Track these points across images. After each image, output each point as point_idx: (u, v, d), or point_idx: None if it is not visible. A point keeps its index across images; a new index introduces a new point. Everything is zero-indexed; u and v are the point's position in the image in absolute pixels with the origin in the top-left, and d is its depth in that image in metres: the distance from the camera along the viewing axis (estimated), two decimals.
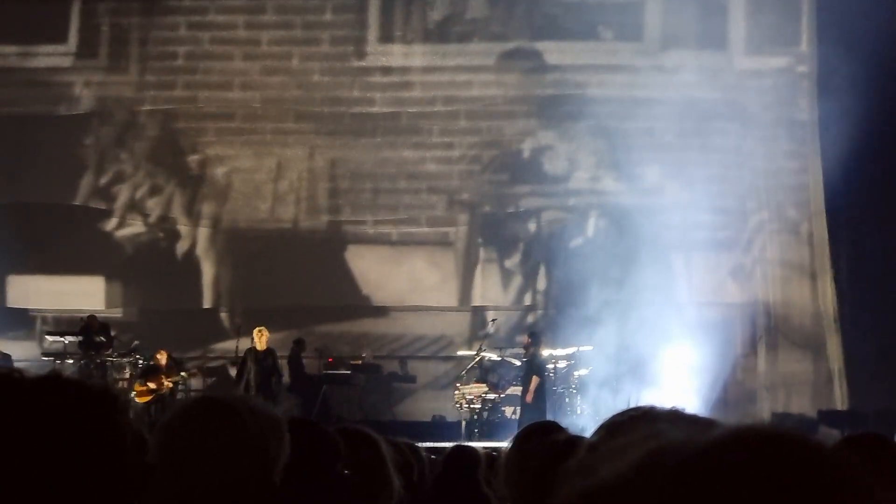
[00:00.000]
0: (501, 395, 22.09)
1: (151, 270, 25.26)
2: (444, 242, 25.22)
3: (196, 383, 23.30)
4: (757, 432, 1.19)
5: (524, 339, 21.62)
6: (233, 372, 23.13)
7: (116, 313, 25.01)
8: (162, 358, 22.43)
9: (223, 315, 25.15)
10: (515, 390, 21.66)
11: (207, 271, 25.57)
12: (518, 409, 21.34)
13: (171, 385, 22.10)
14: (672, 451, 1.17)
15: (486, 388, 22.06)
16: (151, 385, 22.02)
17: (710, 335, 22.22)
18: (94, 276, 25.44)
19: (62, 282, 25.17)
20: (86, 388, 2.06)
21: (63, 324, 24.15)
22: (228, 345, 23.44)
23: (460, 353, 22.82)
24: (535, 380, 20.91)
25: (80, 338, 22.82)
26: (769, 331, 23.85)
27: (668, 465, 1.16)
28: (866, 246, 23.62)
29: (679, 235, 23.80)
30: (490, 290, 25.00)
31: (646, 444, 1.19)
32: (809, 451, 1.18)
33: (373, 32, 25.52)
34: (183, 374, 22.48)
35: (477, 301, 24.84)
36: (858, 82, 21.52)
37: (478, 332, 23.87)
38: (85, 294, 25.02)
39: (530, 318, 24.34)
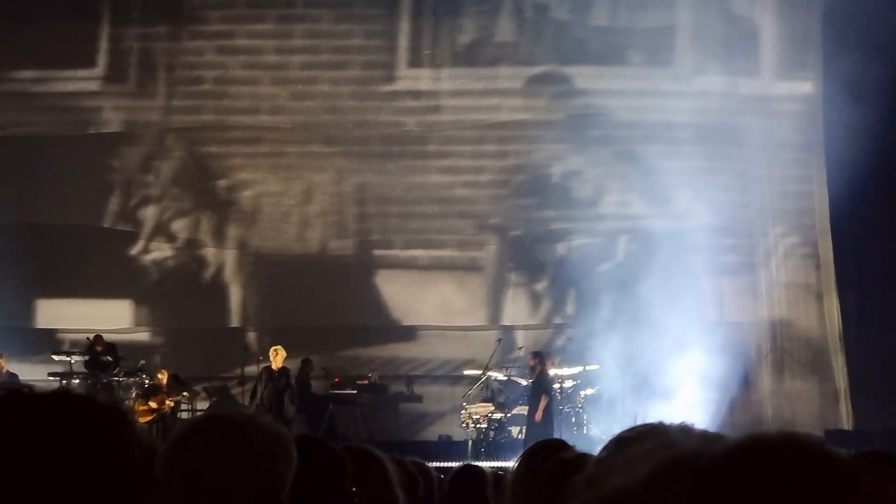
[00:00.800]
0: (508, 415, 22.08)
1: (178, 293, 25.25)
2: (473, 267, 25.20)
3: (203, 403, 23.31)
4: (771, 439, 1.19)
5: (530, 359, 21.63)
6: (237, 392, 23.15)
7: (143, 334, 25.07)
8: (163, 377, 22.46)
9: (251, 336, 25.06)
10: (522, 410, 21.66)
11: (235, 294, 25.55)
12: (524, 428, 21.33)
13: (171, 404, 22.13)
14: (687, 459, 1.17)
15: (493, 408, 22.05)
16: (153, 404, 22.06)
17: (717, 354, 22.23)
18: (122, 299, 25.47)
19: (90, 305, 25.16)
20: (94, 404, 2.07)
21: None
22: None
23: (467, 372, 22.79)
24: (543, 399, 20.91)
25: (87, 357, 22.82)
26: (775, 350, 23.83)
27: (684, 473, 1.16)
28: (872, 266, 23.61)
29: (698, 257, 23.79)
30: (519, 313, 24.95)
31: (659, 453, 1.19)
32: (823, 457, 1.18)
33: (402, 56, 25.48)
34: (185, 393, 22.46)
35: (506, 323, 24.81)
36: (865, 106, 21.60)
37: (506, 353, 23.76)
38: (112, 317, 25.04)
39: (558, 340, 24.21)
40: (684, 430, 2.12)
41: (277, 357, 22.15)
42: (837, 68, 22.77)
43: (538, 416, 20.79)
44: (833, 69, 23.20)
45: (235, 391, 23.41)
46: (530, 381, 21.60)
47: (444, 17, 25.42)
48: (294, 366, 23.08)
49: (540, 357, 21.60)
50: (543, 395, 21.00)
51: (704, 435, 2.12)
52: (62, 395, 2.06)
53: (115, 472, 2.00)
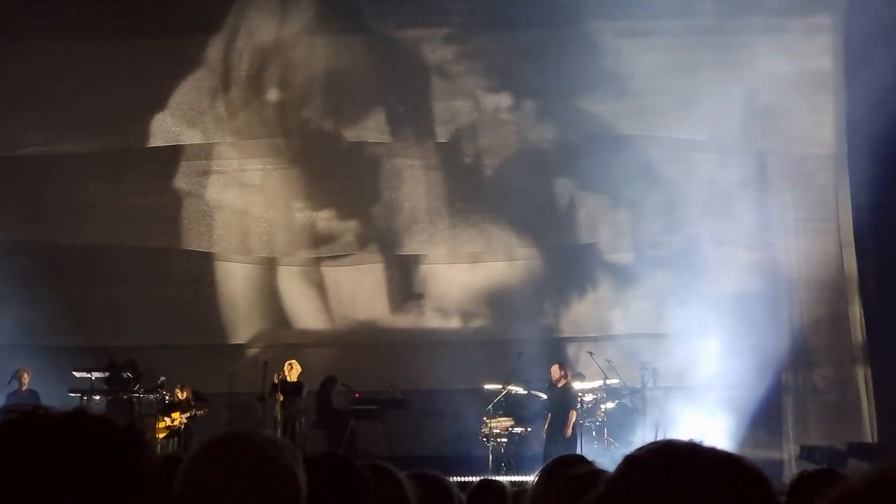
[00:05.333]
0: (528, 429, 22.03)
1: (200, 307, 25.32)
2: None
3: (222, 418, 23.33)
4: None
5: (555, 370, 21.52)
6: (258, 407, 23.19)
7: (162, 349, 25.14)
8: (181, 393, 22.52)
9: (266, 350, 25.05)
10: (542, 423, 21.59)
11: (251, 307, 25.64)
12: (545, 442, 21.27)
13: (185, 420, 22.17)
14: None
15: (513, 422, 22.01)
16: (168, 421, 22.14)
17: (738, 366, 22.18)
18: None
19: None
20: (110, 425, 2.07)
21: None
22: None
23: (487, 386, 22.74)
24: (572, 413, 20.85)
25: (106, 374, 22.85)
26: (797, 361, 23.74)
27: None
28: (894, 276, 23.51)
29: (718, 268, 23.77)
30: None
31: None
32: None
33: None
34: (197, 411, 22.41)
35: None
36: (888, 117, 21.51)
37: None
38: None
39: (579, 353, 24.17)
40: (694, 450, 2.12)
41: (292, 371, 22.27)
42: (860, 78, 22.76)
43: (568, 431, 20.72)
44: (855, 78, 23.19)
45: (256, 406, 23.38)
46: (551, 393, 21.53)
47: None
48: (314, 382, 23.17)
49: (565, 368, 21.56)
50: (571, 410, 20.93)
51: (714, 454, 2.12)
52: (77, 415, 2.06)
53: (129, 492, 2.00)
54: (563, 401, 21.07)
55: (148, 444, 2.11)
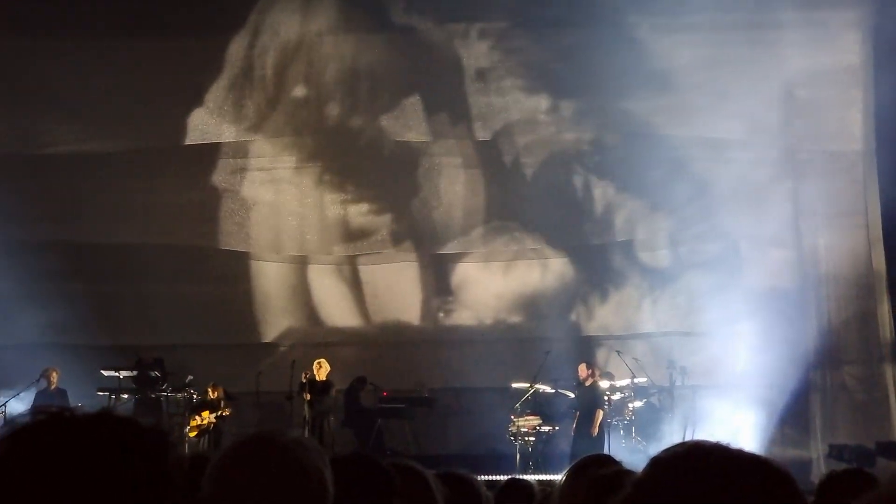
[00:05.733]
0: (556, 428, 22.00)
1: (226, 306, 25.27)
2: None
3: (250, 417, 23.38)
4: None
5: (582, 369, 21.47)
6: (286, 406, 23.21)
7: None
8: (212, 392, 22.57)
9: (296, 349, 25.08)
10: (570, 422, 21.55)
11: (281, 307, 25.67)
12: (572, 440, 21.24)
13: (213, 420, 22.22)
14: None
15: (541, 421, 21.98)
16: (198, 420, 22.22)
17: (766, 365, 22.13)
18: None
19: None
20: (135, 426, 2.07)
21: None
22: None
23: (514, 385, 22.71)
24: (599, 413, 20.80)
25: (134, 373, 22.90)
26: (826, 360, 23.65)
27: None
28: None
29: (748, 266, 23.73)
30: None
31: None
32: None
33: None
34: (224, 411, 22.44)
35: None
36: None
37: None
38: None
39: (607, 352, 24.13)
40: (721, 452, 2.11)
41: (321, 370, 22.32)
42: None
43: (595, 430, 20.67)
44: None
45: (284, 405, 23.40)
46: (579, 392, 21.49)
47: None
48: (342, 381, 23.22)
49: (592, 367, 21.50)
50: (598, 409, 20.88)
51: (740, 456, 2.11)
52: (103, 417, 2.06)
53: (155, 493, 2.01)
54: (590, 400, 21.02)
55: (173, 445, 2.10)
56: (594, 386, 21.15)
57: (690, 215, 24.36)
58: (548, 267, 25.14)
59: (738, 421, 21.49)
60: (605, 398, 21.41)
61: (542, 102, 25.12)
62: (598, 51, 24.23)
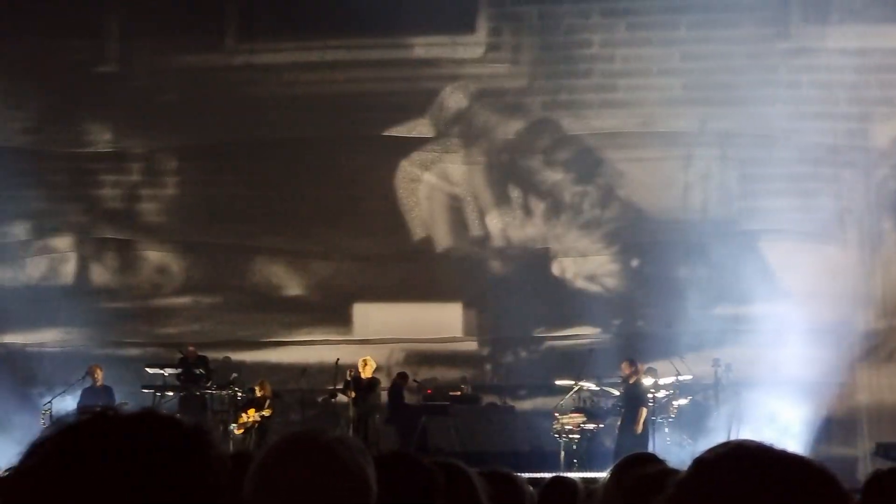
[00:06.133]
0: (600, 425, 21.94)
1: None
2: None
3: (295, 415, 23.48)
4: None
5: (625, 367, 21.39)
6: (331, 405, 23.31)
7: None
8: (260, 390, 22.63)
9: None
10: (614, 420, 21.49)
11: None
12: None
13: (258, 418, 22.26)
14: None
15: (585, 418, 21.93)
16: (244, 417, 22.29)
17: (812, 362, 22.00)
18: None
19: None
20: (178, 425, 2.07)
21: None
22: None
23: (559, 382, 22.66)
24: (642, 410, 20.71)
25: (179, 370, 22.99)
26: (873, 357, 23.50)
27: None
28: None
29: (795, 259, 23.59)
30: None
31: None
32: None
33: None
34: (267, 409, 22.48)
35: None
36: None
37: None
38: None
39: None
40: (763, 453, 2.09)
41: (367, 367, 22.34)
42: None
43: (638, 427, 20.58)
44: None
45: (329, 403, 23.47)
46: (623, 389, 21.41)
47: None
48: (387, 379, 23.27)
49: (634, 364, 21.40)
50: (641, 407, 20.79)
51: (784, 457, 2.09)
52: (145, 416, 2.07)
53: (196, 493, 2.01)
54: (634, 397, 20.93)
55: (215, 444, 2.10)
56: (637, 383, 21.06)
57: (733, 210, 24.29)
58: (597, 264, 25.06)
59: (783, 418, 21.39)
60: (650, 396, 21.31)
61: None
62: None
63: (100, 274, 25.82)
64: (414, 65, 25.53)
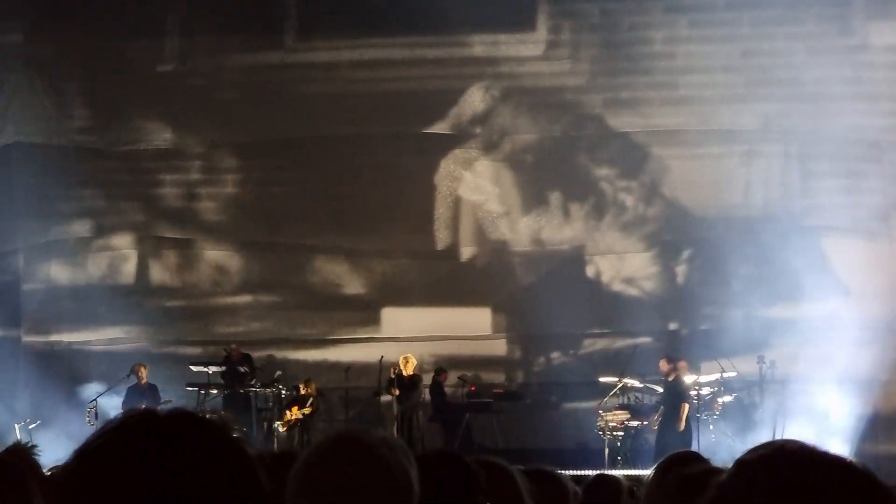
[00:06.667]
0: (644, 422, 21.88)
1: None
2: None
3: (340, 413, 23.53)
4: None
5: (663, 364, 21.34)
6: (374, 402, 23.33)
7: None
8: (304, 388, 22.68)
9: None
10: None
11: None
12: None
13: (300, 416, 22.31)
14: None
15: (629, 415, 21.88)
16: (288, 415, 22.36)
17: (857, 359, 21.88)
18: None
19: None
20: (216, 426, 2.08)
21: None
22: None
23: (602, 379, 22.61)
24: (685, 406, 20.66)
25: (223, 368, 23.06)
26: None
27: None
28: None
29: (838, 255, 23.46)
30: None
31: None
32: None
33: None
34: (311, 407, 22.51)
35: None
36: None
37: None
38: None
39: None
40: (806, 454, 2.08)
41: (409, 364, 22.33)
42: None
43: (680, 425, 20.53)
44: None
45: (373, 401, 23.49)
46: (664, 387, 21.36)
47: None
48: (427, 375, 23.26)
49: (674, 361, 21.33)
50: (684, 403, 20.74)
51: (827, 459, 2.08)
52: (184, 417, 2.07)
53: (236, 494, 2.02)
54: (675, 394, 20.88)
55: (252, 445, 2.11)
56: (678, 380, 21.00)
57: (777, 205, 24.17)
58: (635, 261, 24.98)
59: (830, 415, 21.28)
60: (694, 393, 21.23)
61: None
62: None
63: (159, 272, 25.90)
64: (474, 63, 25.42)
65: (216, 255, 25.71)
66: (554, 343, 24.72)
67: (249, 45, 25.64)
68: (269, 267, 25.48)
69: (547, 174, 25.03)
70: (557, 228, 25.04)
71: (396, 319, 25.11)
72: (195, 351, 24.79)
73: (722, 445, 20.59)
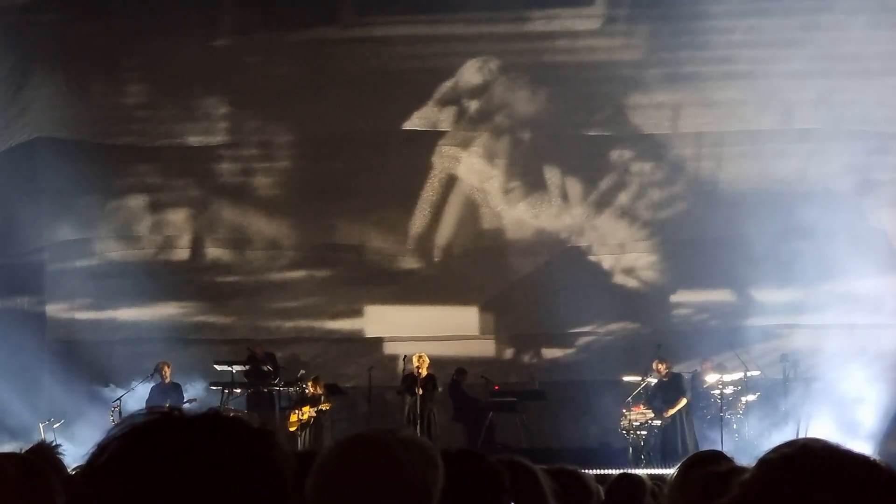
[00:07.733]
0: (668, 421, 21.85)
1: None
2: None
3: (362, 412, 23.54)
4: None
5: (660, 367, 21.49)
6: (393, 401, 23.32)
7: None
8: (313, 387, 22.62)
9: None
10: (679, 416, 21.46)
11: None
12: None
13: (313, 414, 22.28)
14: None
15: (652, 414, 21.85)
16: (298, 414, 22.34)
17: (879, 358, 21.82)
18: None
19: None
20: (243, 425, 2.08)
21: None
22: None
23: (626, 378, 22.57)
24: (681, 400, 20.98)
25: (247, 367, 23.10)
26: None
27: None
28: None
29: (860, 252, 23.37)
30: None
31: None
32: None
33: None
34: (323, 405, 22.49)
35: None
36: None
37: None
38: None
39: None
40: (829, 453, 2.07)
41: (424, 364, 22.22)
42: None
43: (669, 412, 20.80)
44: None
45: (394, 400, 23.48)
46: (665, 382, 21.52)
47: None
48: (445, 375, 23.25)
49: (665, 361, 21.49)
50: (682, 398, 20.97)
51: (849, 458, 2.07)
52: (211, 416, 2.08)
53: (261, 493, 2.02)
54: (672, 392, 21.13)
55: (280, 444, 2.11)
56: (677, 377, 21.36)
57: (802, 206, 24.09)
58: (658, 258, 24.96)
59: (849, 415, 21.21)
60: (717, 392, 21.26)
61: None
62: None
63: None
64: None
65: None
66: (579, 339, 24.72)
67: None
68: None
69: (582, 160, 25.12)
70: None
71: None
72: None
73: (745, 445, 20.54)
